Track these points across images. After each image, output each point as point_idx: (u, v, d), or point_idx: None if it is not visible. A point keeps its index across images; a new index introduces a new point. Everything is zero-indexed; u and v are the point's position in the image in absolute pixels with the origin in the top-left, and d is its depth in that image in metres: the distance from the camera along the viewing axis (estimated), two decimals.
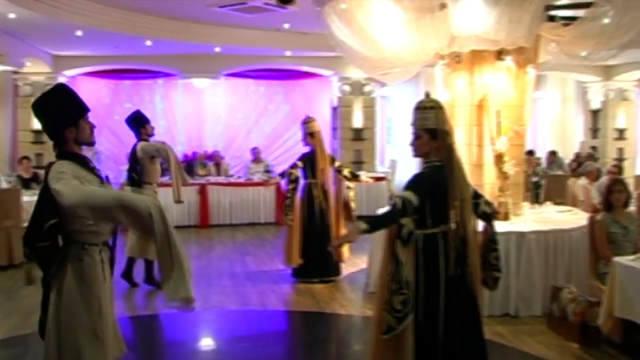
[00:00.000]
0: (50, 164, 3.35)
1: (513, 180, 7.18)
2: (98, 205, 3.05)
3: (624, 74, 15.77)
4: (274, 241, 11.03)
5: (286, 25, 12.16)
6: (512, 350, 5.53)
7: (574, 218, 7.37)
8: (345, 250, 7.85)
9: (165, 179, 8.54)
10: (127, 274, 7.75)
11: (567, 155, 16.10)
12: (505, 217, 6.92)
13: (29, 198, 9.05)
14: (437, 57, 7.46)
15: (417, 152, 3.94)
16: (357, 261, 8.52)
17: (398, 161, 15.15)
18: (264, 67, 15.23)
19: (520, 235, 6.43)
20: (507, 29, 6.47)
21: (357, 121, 15.13)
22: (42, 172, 8.16)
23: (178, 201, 7.06)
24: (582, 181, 10.54)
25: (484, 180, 7.14)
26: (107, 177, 3.57)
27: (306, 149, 8.15)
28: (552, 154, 15.63)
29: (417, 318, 3.78)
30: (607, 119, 16.43)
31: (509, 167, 7.04)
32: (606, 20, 6.44)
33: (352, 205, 8.09)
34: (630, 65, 15.06)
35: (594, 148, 16.26)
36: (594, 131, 16.81)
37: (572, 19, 6.93)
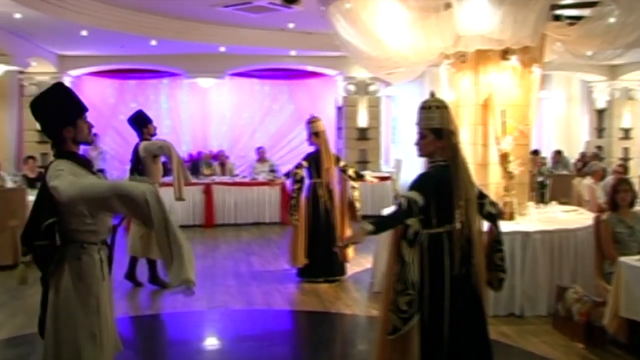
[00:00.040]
0: (49, 164, 3.36)
1: (518, 180, 7.16)
2: (94, 196, 3.05)
3: (629, 74, 15.72)
4: (279, 241, 11.04)
5: (291, 25, 12.16)
6: (517, 350, 5.52)
7: (579, 218, 7.35)
8: (350, 250, 7.84)
9: (168, 179, 8.54)
10: (131, 275, 7.75)
11: (572, 154, 16.07)
12: (511, 217, 6.90)
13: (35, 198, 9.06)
14: (442, 57, 7.45)
15: (422, 152, 3.94)
16: (362, 261, 8.51)
17: (403, 161, 15.15)
18: (268, 66, 15.26)
19: (526, 235, 6.42)
20: (512, 29, 6.46)
21: (362, 121, 15.13)
22: None
23: (179, 198, 7.05)
24: (588, 181, 10.51)
25: (489, 179, 7.14)
26: (102, 170, 3.58)
27: (311, 149, 8.15)
28: (558, 153, 15.61)
29: (422, 318, 3.78)
30: (612, 118, 16.40)
31: (514, 167, 7.03)
32: (612, 20, 6.43)
33: (357, 205, 8.07)
34: (636, 65, 15.01)
35: (599, 148, 16.22)
36: (600, 131, 16.78)
37: (578, 18, 6.93)
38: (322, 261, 7.88)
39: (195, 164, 14.14)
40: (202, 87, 15.27)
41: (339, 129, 15.48)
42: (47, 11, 9.72)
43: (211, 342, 6.13)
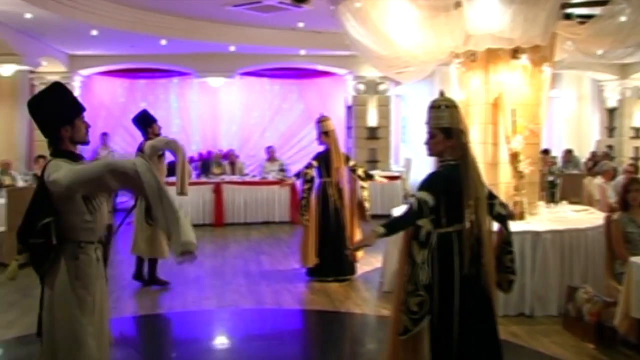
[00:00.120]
0: (46, 163, 3.38)
1: (528, 179, 7.14)
2: (90, 176, 3.09)
3: None
4: (288, 240, 11.05)
5: (301, 24, 12.17)
6: (527, 350, 5.50)
7: (590, 217, 7.32)
8: (360, 250, 7.83)
9: (172, 179, 8.56)
10: (139, 275, 7.76)
11: (583, 154, 15.98)
12: (521, 217, 6.88)
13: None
14: (452, 56, 7.44)
15: (432, 151, 3.93)
16: (372, 260, 8.50)
17: (413, 160, 15.12)
18: (278, 66, 15.28)
19: (536, 234, 6.40)
20: (522, 27, 6.44)
21: (372, 120, 15.12)
22: None
23: (181, 193, 7.05)
24: (598, 180, 10.46)
25: (499, 179, 7.12)
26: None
27: (321, 148, 8.16)
28: (568, 152, 15.54)
29: (432, 317, 3.77)
30: (623, 117, 16.31)
31: (525, 166, 7.00)
32: (623, 18, 6.40)
33: (366, 205, 8.07)
34: None
35: (610, 147, 16.13)
36: (610, 130, 16.69)
37: (589, 17, 6.89)
38: (332, 260, 7.88)
39: (205, 164, 14.17)
40: (212, 86, 15.30)
41: (349, 128, 15.48)
42: (57, 11, 9.77)
43: (221, 341, 6.15)
